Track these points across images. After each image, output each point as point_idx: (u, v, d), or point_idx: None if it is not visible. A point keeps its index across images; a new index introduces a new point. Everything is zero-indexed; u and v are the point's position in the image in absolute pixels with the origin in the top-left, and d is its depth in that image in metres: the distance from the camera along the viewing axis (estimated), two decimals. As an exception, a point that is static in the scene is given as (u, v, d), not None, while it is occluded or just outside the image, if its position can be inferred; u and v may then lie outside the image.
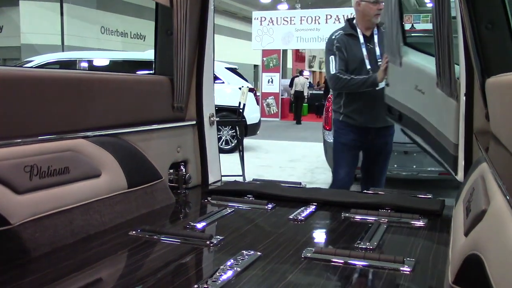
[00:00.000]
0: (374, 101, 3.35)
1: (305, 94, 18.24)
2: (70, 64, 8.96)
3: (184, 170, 2.72)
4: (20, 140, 1.78)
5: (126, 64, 9.37)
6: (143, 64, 9.06)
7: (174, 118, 2.70)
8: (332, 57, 3.43)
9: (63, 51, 15.71)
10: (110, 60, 9.40)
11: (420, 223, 2.12)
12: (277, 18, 17.84)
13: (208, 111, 2.89)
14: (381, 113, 3.31)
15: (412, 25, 10.14)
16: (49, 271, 1.59)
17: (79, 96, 2.09)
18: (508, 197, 0.98)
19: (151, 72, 9.54)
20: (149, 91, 2.56)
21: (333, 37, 3.48)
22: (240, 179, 6.00)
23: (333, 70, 3.40)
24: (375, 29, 3.44)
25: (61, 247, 1.77)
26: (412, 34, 6.09)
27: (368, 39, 3.44)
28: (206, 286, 1.43)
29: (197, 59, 2.79)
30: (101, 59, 9.39)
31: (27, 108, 1.85)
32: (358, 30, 3.44)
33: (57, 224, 1.80)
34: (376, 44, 3.43)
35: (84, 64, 8.79)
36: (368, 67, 3.39)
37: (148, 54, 9.23)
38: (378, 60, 3.38)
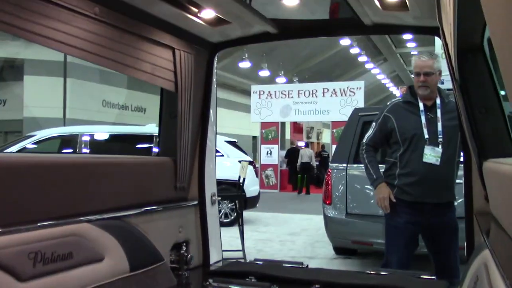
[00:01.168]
0: (431, 173, 3.12)
1: (314, 165, 18.34)
2: (71, 138, 9.08)
3: (185, 251, 2.71)
4: (24, 227, 1.79)
5: (127, 138, 9.50)
6: (144, 138, 9.20)
7: (177, 198, 2.72)
8: (373, 124, 3.38)
9: (64, 124, 15.96)
10: (111, 134, 9.54)
11: None
12: (275, 91, 18.28)
13: (209, 190, 2.92)
14: (439, 187, 3.14)
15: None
16: None
17: (82, 180, 2.13)
18: None
19: (151, 145, 9.55)
20: (152, 172, 2.61)
21: (389, 103, 3.42)
22: (239, 254, 5.92)
23: (365, 139, 3.39)
24: (438, 100, 3.24)
25: None
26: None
27: (429, 109, 3.24)
28: None
29: (200, 140, 2.86)
30: (102, 133, 9.53)
31: (31, 194, 1.88)
32: (418, 98, 3.25)
33: None
34: (439, 118, 3.20)
35: (86, 138, 8.89)
36: (426, 136, 3.16)
37: (149, 128, 9.39)
38: (439, 136, 3.15)
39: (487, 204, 2.22)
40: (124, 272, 2.14)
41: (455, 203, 3.25)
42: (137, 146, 9.41)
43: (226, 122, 20.66)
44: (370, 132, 3.37)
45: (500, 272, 1.19)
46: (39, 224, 1.86)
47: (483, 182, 2.18)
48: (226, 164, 9.12)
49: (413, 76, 3.32)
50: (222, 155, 9.46)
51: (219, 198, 3.07)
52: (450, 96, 3.26)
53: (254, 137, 26.00)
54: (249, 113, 18.96)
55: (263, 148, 19.07)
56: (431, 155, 3.14)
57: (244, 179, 6.65)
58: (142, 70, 2.38)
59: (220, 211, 9.20)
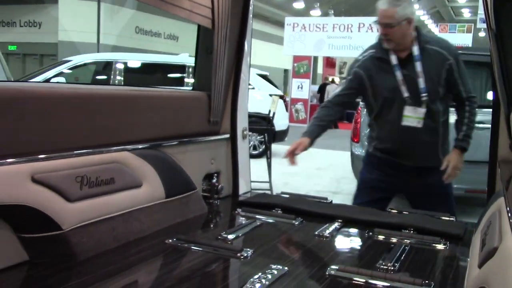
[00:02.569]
0: (411, 138, 2.82)
1: None
2: (106, 65, 9.24)
3: (216, 181, 2.86)
4: (72, 153, 1.95)
5: (160, 67, 9.61)
6: (177, 68, 9.29)
7: (210, 132, 2.85)
8: (343, 81, 3.01)
9: (98, 49, 16.12)
10: (144, 63, 9.65)
11: (441, 246, 2.20)
12: (309, 24, 17.90)
13: (241, 125, 3.03)
14: (420, 152, 2.87)
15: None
16: (93, 275, 1.74)
17: (122, 111, 2.25)
18: None
19: (183, 75, 9.70)
20: (188, 106, 2.72)
21: (359, 57, 2.93)
22: (266, 185, 6.13)
23: (330, 95, 3.02)
24: (416, 49, 2.76)
25: (103, 252, 1.92)
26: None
27: (404, 62, 2.79)
28: None
29: (234, 76, 2.93)
30: (136, 62, 9.65)
31: (78, 123, 2.01)
32: (390, 52, 2.80)
33: (101, 230, 1.96)
34: (419, 72, 2.75)
35: (119, 66, 9.04)
36: (406, 94, 2.76)
37: (182, 58, 9.46)
38: (422, 95, 2.75)
39: (511, 153, 2.27)
40: (160, 198, 2.31)
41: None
42: (169, 75, 9.54)
43: (257, 54, 20.50)
44: (338, 89, 3.03)
45: (509, 220, 1.28)
46: (84, 150, 2.01)
47: (510, 131, 2.22)
48: (256, 97, 9.19)
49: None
50: (253, 88, 9.52)
51: (250, 132, 3.18)
52: (432, 42, 2.82)
53: (286, 70, 25.80)
54: (282, 45, 18.71)
55: (294, 82, 18.95)
56: (412, 117, 2.79)
57: (274, 113, 6.74)
58: (180, 6, 2.43)
59: (249, 143, 9.39)
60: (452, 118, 2.98)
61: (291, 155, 2.77)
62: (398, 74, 2.79)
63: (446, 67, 2.77)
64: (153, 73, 9.67)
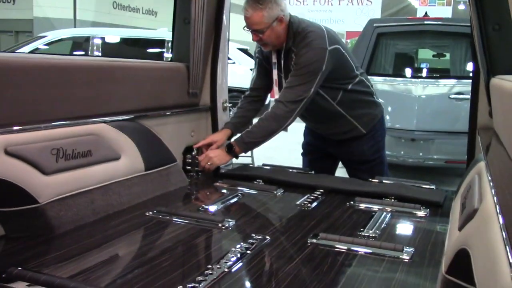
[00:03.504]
0: (325, 117, 2.83)
1: None
2: (83, 41, 9.06)
3: (197, 153, 2.84)
4: (47, 124, 1.89)
5: (139, 42, 9.45)
6: (155, 43, 9.15)
7: (189, 104, 2.81)
8: (255, 63, 2.90)
9: (75, 25, 15.78)
10: (122, 38, 9.48)
11: (421, 213, 2.22)
12: (290, -2, 17.73)
13: (221, 97, 2.99)
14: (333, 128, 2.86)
15: (426, 13, 10.09)
16: (71, 248, 1.72)
17: (99, 82, 2.20)
18: (496, 199, 1.08)
19: (163, 50, 9.57)
20: (166, 77, 2.67)
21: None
22: (248, 160, 6.11)
23: (250, 83, 2.92)
24: (288, 44, 2.61)
25: (82, 225, 1.90)
26: (425, 22, 6.10)
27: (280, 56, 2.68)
28: (218, 266, 1.55)
29: (213, 47, 2.88)
30: (114, 37, 9.47)
31: (53, 94, 1.96)
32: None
33: (79, 203, 1.92)
34: (282, 71, 2.68)
35: (97, 41, 8.87)
36: (277, 96, 2.69)
37: (160, 33, 9.31)
38: None
39: (490, 120, 2.28)
40: (139, 171, 2.28)
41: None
42: (148, 50, 9.39)
43: (238, 29, 20.29)
44: (254, 73, 2.93)
45: (489, 182, 1.28)
46: (59, 122, 1.96)
47: (489, 98, 2.23)
48: (237, 71, 9.12)
49: None
50: (234, 62, 9.44)
51: (230, 105, 3.15)
52: (297, 41, 2.57)
53: (267, 45, 25.59)
54: (263, 20, 18.50)
55: (275, 57, 18.82)
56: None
57: (255, 87, 6.68)
58: None
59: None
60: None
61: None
62: (275, 74, 2.71)
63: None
64: (132, 48, 9.51)
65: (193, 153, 2.78)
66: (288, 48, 2.60)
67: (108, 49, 8.99)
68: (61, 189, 1.85)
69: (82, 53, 8.95)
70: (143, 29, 12.75)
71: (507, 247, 0.82)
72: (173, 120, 2.68)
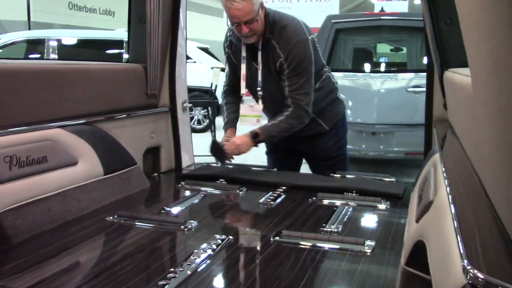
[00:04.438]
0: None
1: None
2: (38, 43, 8.82)
3: (158, 155, 2.80)
4: None
5: (96, 43, 9.27)
6: (113, 44, 8.98)
7: (148, 105, 2.77)
8: (226, 58, 2.80)
9: (29, 27, 15.34)
10: (79, 39, 9.28)
11: (382, 206, 2.25)
12: (249, -5, 17.72)
13: (181, 97, 2.97)
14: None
15: (382, 8, 10.26)
16: (29, 257, 1.67)
17: (55, 86, 2.14)
18: (449, 190, 1.10)
19: (121, 51, 9.40)
20: (123, 79, 2.62)
21: (228, 34, 2.72)
22: (212, 158, 6.08)
23: (225, 79, 2.84)
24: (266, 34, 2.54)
25: (40, 233, 1.84)
26: (382, 18, 6.20)
27: (253, 52, 2.60)
28: (181, 269, 1.53)
29: (170, 47, 2.85)
30: (70, 38, 9.26)
31: (4, 100, 1.90)
32: (243, 40, 2.57)
33: (36, 211, 1.87)
34: (260, 65, 2.57)
35: (53, 43, 8.65)
36: (242, 91, 2.64)
37: (119, 34, 9.15)
38: (258, 88, 2.61)
39: (445, 112, 2.34)
40: (98, 175, 2.23)
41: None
42: (106, 51, 9.22)
43: (197, 27, 20.14)
44: (226, 69, 2.82)
45: (443, 174, 1.31)
46: (12, 129, 1.90)
47: (443, 90, 2.29)
48: (198, 70, 9.07)
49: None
50: (194, 62, 9.38)
51: (191, 104, 3.12)
52: (276, 31, 2.52)
53: (227, 43, 25.50)
54: (222, 17, 18.47)
55: (236, 55, 18.79)
56: (249, 116, 2.67)
57: (216, 85, 6.67)
58: None
59: (192, 118, 9.29)
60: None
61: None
62: (243, 68, 2.63)
63: (277, 63, 2.56)
64: (89, 49, 9.31)
65: (154, 155, 2.74)
66: (266, 39, 2.53)
67: (64, 51, 8.78)
68: (16, 198, 1.80)
69: (38, 56, 8.72)
70: (100, 30, 12.51)
71: (458, 238, 0.84)
72: (132, 122, 2.64)
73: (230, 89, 2.82)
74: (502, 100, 0.63)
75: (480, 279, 0.67)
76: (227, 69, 2.82)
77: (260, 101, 2.62)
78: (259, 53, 2.56)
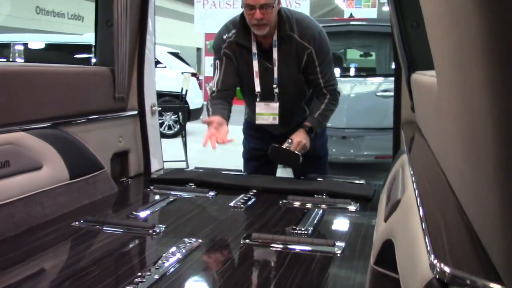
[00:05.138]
0: (274, 128, 2.68)
1: None
2: (3, 47, 8.62)
3: (126, 160, 2.76)
4: None
5: (64, 48, 9.11)
6: (81, 48, 8.84)
7: (116, 109, 2.73)
8: (218, 63, 2.63)
9: (-5, 32, 15.00)
10: (47, 44, 9.11)
11: (352, 208, 2.26)
12: (219, 1, 17.72)
13: (149, 100, 2.93)
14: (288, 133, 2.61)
15: (351, 14, 10.40)
16: None
17: (19, 88, 2.09)
18: (416, 189, 1.11)
19: (90, 56, 9.29)
20: (90, 82, 2.57)
21: (224, 36, 2.59)
22: (183, 164, 6.04)
23: (214, 85, 2.62)
24: (276, 35, 2.50)
25: (3, 240, 1.79)
26: (351, 23, 6.28)
27: (267, 52, 2.54)
28: (149, 273, 1.50)
29: (138, 50, 2.81)
30: (37, 43, 9.08)
31: None
32: (252, 37, 2.51)
33: None
34: (274, 61, 2.52)
35: (19, 47, 8.47)
36: (258, 90, 2.57)
37: (87, 38, 9.02)
38: (274, 86, 2.56)
39: (413, 114, 2.37)
40: (64, 180, 2.18)
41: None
42: (75, 56, 9.08)
43: (168, 33, 20.03)
44: (216, 73, 2.64)
45: (411, 173, 1.32)
46: None
47: (411, 93, 2.31)
48: (169, 75, 9.00)
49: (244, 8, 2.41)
50: (165, 67, 9.31)
51: (159, 108, 3.09)
52: (294, 28, 2.50)
53: (199, 49, 25.48)
54: (193, 23, 18.43)
55: (207, 60, 18.74)
56: (265, 114, 2.61)
57: (186, 90, 6.64)
58: None
59: (163, 123, 9.21)
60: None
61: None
62: (255, 65, 2.54)
63: (305, 57, 2.53)
64: (58, 54, 9.15)
65: (123, 160, 2.70)
66: (284, 34, 2.48)
67: (31, 55, 8.61)
68: None
69: (4, 60, 8.52)
70: (69, 34, 12.31)
71: (425, 234, 0.84)
72: (99, 126, 2.59)
73: (220, 95, 2.59)
74: (466, 95, 0.64)
75: (447, 273, 0.67)
76: (218, 75, 2.61)
77: (276, 99, 2.57)
78: (275, 50, 2.50)
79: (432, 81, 1.21)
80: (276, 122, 2.60)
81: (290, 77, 2.57)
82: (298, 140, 2.53)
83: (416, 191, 1.09)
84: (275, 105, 2.58)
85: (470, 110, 0.62)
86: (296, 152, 2.52)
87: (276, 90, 2.57)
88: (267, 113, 2.60)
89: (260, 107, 2.60)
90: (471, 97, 0.60)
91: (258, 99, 2.59)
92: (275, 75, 2.54)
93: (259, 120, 2.62)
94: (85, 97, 2.51)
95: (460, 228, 0.79)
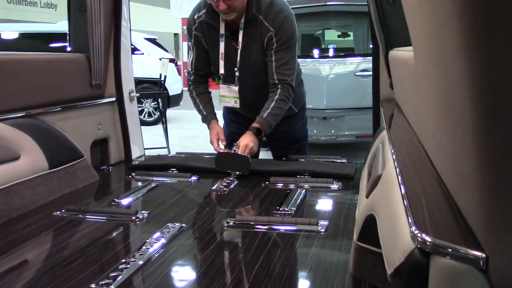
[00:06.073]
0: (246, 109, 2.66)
1: None
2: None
3: (106, 147, 2.73)
4: None
5: (38, 37, 8.93)
6: (56, 37, 8.68)
7: (93, 96, 2.69)
8: (190, 45, 2.63)
9: (-34, 23, 14.63)
10: (20, 33, 8.92)
11: (334, 187, 2.28)
12: (195, -15, 17.54)
13: (127, 87, 2.89)
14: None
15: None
16: None
17: None
18: (396, 163, 1.12)
19: (66, 44, 9.15)
20: (65, 70, 2.53)
21: (195, 16, 2.54)
22: (164, 151, 6.01)
23: (189, 66, 2.66)
24: (244, 16, 2.44)
25: None
26: (328, 3, 6.25)
27: (235, 33, 2.49)
28: (133, 259, 1.49)
29: (114, 35, 2.77)
30: (10, 32, 8.88)
31: None
32: (221, 17, 2.46)
33: None
34: (240, 44, 2.47)
35: (-8, 38, 8.28)
36: (221, 72, 2.54)
37: (61, 26, 8.84)
38: (235, 69, 2.52)
39: (392, 91, 2.38)
40: (43, 169, 2.15)
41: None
42: (50, 45, 8.91)
43: (144, 18, 19.78)
44: (191, 55, 2.65)
45: (391, 149, 1.33)
46: None
47: (389, 70, 2.32)
48: (146, 62, 8.90)
49: None
50: (142, 53, 9.19)
51: (138, 94, 3.05)
52: (263, 9, 2.43)
53: (176, 35, 25.22)
54: (169, 8, 18.21)
55: (185, 46, 18.60)
56: (228, 96, 2.59)
57: (165, 76, 6.57)
58: None
59: (143, 110, 9.13)
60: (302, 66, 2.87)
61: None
62: (221, 46, 2.50)
63: (266, 39, 2.47)
64: (32, 43, 8.96)
65: (102, 148, 2.67)
66: (251, 16, 2.43)
67: (4, 45, 8.43)
68: None
69: (-24, 51, 8.32)
70: (42, 23, 12.07)
71: (406, 207, 0.84)
72: (77, 114, 2.55)
73: (197, 78, 2.66)
74: (442, 63, 0.64)
75: (428, 243, 0.68)
76: (192, 57, 2.64)
77: (236, 82, 2.54)
78: (241, 32, 2.46)
79: (410, 56, 1.22)
80: (237, 105, 2.58)
81: (253, 61, 2.52)
82: (245, 143, 2.47)
83: (396, 166, 1.10)
84: (236, 88, 2.55)
85: (446, 78, 0.62)
86: (244, 154, 2.47)
87: (237, 74, 2.53)
88: (230, 95, 2.58)
89: (223, 89, 2.58)
90: (447, 65, 0.60)
91: (221, 81, 2.57)
92: (238, 58, 2.51)
93: (222, 102, 2.63)
94: (61, 85, 2.47)
95: (440, 198, 0.80)
